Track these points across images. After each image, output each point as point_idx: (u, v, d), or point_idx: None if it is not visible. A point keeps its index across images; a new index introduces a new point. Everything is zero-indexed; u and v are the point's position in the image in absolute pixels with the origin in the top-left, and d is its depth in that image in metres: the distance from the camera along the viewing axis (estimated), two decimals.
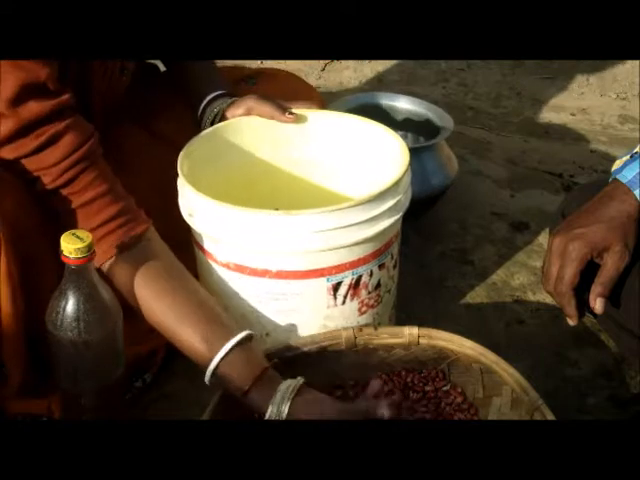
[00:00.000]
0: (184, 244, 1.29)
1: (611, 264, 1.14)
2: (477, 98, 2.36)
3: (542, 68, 2.47)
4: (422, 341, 1.20)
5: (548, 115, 2.26)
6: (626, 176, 1.17)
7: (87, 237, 1.07)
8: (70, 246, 1.06)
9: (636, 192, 1.15)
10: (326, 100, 1.82)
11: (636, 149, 1.21)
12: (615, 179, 1.18)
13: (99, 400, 1.15)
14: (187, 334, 1.14)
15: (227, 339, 1.12)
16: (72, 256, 1.06)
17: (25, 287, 1.15)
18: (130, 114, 1.48)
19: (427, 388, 1.18)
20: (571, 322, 1.18)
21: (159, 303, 1.15)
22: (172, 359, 1.34)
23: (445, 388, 1.17)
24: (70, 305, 1.09)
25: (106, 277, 1.16)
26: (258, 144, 1.40)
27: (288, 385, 1.10)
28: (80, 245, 1.06)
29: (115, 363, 1.15)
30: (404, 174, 1.23)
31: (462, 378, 1.19)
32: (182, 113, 1.46)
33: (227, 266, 1.21)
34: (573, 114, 2.25)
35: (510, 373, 1.15)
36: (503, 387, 1.15)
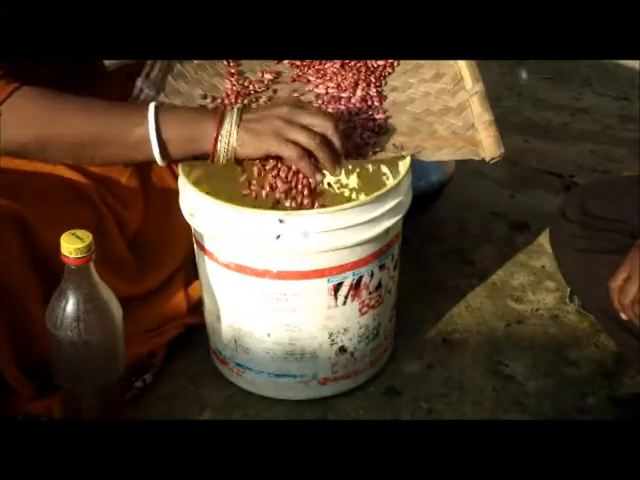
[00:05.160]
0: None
1: None
2: None
3: (542, 68, 2.47)
4: None
5: (548, 115, 2.25)
6: None
7: (87, 237, 1.07)
8: (70, 246, 1.06)
9: None
10: None
11: None
12: None
13: (99, 400, 1.15)
14: (109, 125, 1.16)
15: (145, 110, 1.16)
16: (72, 256, 1.06)
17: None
18: None
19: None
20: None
21: (68, 119, 1.17)
22: (172, 359, 1.34)
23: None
24: (70, 305, 1.09)
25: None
26: None
27: (232, 112, 1.17)
28: (80, 245, 1.06)
29: (115, 363, 1.15)
30: (405, 175, 1.23)
31: None
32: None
33: (228, 266, 1.21)
34: (573, 114, 2.25)
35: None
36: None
